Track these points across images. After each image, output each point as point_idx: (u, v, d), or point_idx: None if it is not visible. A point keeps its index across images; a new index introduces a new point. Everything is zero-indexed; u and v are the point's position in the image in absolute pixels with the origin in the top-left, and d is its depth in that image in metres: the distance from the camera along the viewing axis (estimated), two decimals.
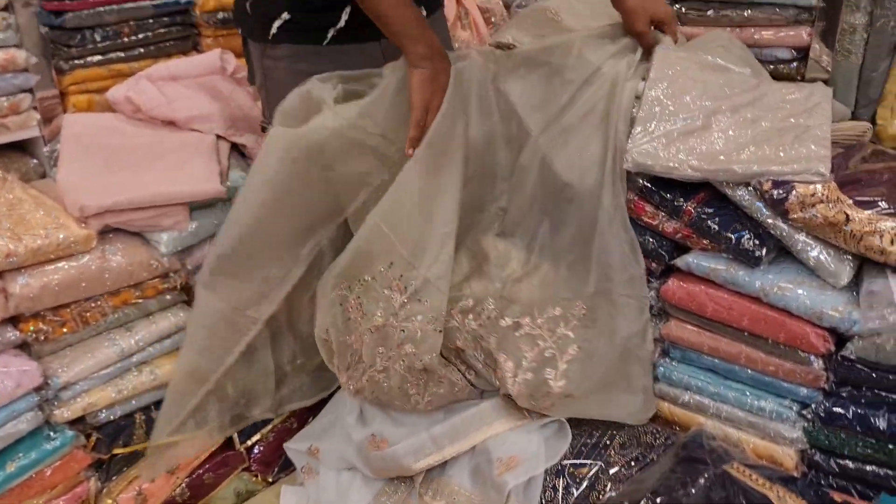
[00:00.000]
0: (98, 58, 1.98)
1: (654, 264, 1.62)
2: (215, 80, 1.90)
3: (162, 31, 2.06)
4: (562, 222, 1.62)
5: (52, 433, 1.55)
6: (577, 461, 1.54)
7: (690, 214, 1.53)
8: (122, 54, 2.03)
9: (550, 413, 1.55)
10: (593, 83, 1.57)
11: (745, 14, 1.86)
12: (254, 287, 1.52)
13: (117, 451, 1.66)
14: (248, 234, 1.48)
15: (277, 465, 1.84)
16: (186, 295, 1.73)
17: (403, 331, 1.50)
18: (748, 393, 1.54)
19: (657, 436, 1.60)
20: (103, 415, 1.61)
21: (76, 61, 1.97)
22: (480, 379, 1.59)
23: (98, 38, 1.95)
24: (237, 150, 1.84)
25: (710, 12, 1.89)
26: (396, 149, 1.50)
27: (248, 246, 1.49)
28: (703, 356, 1.58)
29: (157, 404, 1.69)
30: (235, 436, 1.76)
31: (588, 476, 1.52)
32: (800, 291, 1.41)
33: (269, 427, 1.82)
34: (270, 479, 1.85)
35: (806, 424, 1.48)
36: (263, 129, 1.59)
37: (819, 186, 1.39)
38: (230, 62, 1.98)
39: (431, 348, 1.51)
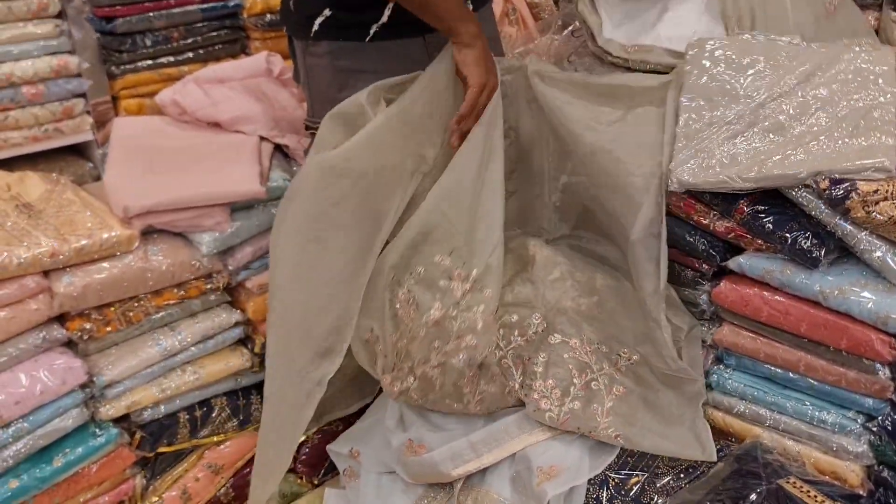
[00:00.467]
0: (148, 62, 2.02)
1: (705, 266, 1.54)
2: (260, 83, 1.91)
3: (211, 34, 2.09)
4: (604, 235, 1.61)
5: (97, 430, 1.57)
6: (623, 472, 1.47)
7: (743, 213, 1.44)
8: (171, 58, 2.06)
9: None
10: (641, 102, 1.53)
11: None
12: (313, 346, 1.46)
13: (162, 449, 1.68)
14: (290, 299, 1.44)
15: (323, 468, 1.83)
16: (230, 295, 1.73)
17: (465, 322, 1.44)
18: (808, 403, 1.45)
19: None
20: (147, 413, 1.63)
21: (127, 66, 2.01)
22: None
23: (148, 42, 1.99)
24: (280, 150, 1.84)
25: None
26: (438, 140, 1.47)
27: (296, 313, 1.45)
28: (759, 364, 1.49)
29: (201, 404, 1.71)
30: None
31: (634, 488, 1.45)
32: (863, 295, 1.31)
33: (315, 429, 1.81)
34: (316, 482, 1.84)
35: (872, 438, 1.37)
36: (307, 128, 1.59)
37: (882, 183, 1.28)
38: (276, 64, 1.98)
39: (490, 341, 1.47)
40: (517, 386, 1.50)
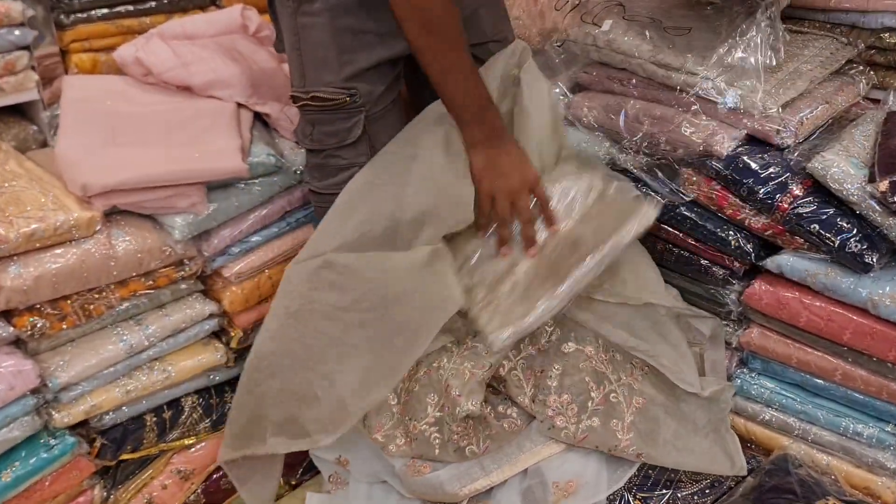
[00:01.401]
0: (104, 11, 1.75)
1: (736, 264, 1.42)
2: (235, 40, 1.69)
3: None
4: None
5: (51, 440, 1.38)
6: (644, 488, 1.37)
7: (784, 211, 1.32)
8: (131, 8, 1.79)
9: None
10: None
11: None
12: None
13: (125, 456, 1.49)
14: None
15: (301, 468, 1.69)
16: (203, 284, 1.54)
17: (454, 374, 1.35)
18: (842, 414, 1.36)
19: None
20: (109, 418, 1.44)
21: (79, 15, 1.73)
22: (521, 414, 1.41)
23: None
24: (260, 120, 1.63)
25: None
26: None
27: None
28: (790, 369, 1.40)
29: (170, 404, 1.53)
30: None
31: None
32: None
33: None
34: (294, 482, 1.69)
35: None
36: (294, 101, 1.38)
37: None
38: (253, 20, 1.76)
39: (475, 393, 1.35)
40: (528, 401, 1.38)
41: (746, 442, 1.48)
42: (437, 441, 1.34)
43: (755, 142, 1.39)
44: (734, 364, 1.49)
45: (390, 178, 1.36)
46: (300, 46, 1.35)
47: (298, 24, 1.34)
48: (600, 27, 1.54)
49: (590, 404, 1.36)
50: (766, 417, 1.44)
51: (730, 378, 1.48)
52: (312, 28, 1.32)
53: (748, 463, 1.41)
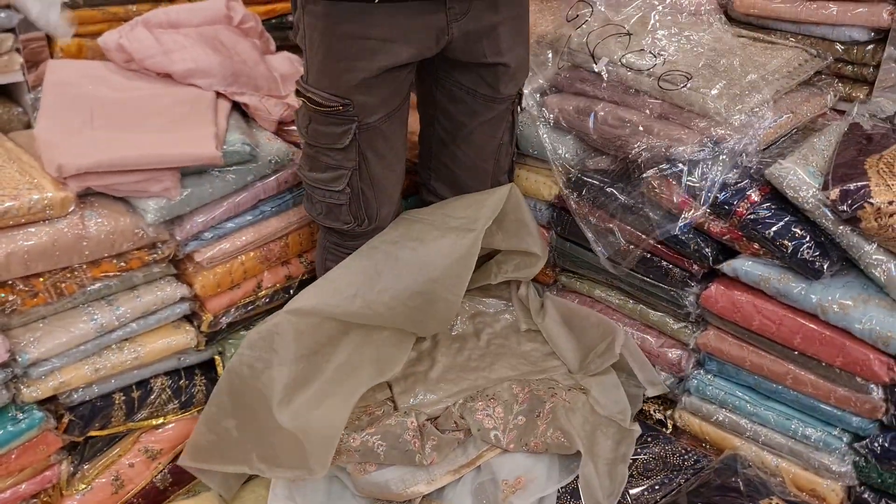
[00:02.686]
0: None
1: (695, 266, 1.45)
2: (218, 31, 1.71)
3: None
4: None
5: (19, 414, 1.40)
6: None
7: (741, 216, 1.35)
8: None
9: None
10: None
11: None
12: None
13: (93, 433, 1.52)
14: None
15: None
16: (176, 268, 1.57)
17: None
18: (792, 417, 1.39)
19: (686, 457, 1.45)
20: (78, 395, 1.47)
21: (65, 0, 1.78)
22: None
23: None
24: (238, 109, 1.66)
25: None
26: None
27: None
28: (744, 372, 1.43)
29: (139, 384, 1.55)
30: None
31: None
32: (865, 311, 1.24)
33: None
34: None
35: (857, 459, 1.32)
36: (298, 93, 1.39)
37: None
38: (237, 10, 1.78)
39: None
40: (456, 411, 1.46)
41: (700, 441, 1.51)
42: (381, 449, 1.39)
43: (718, 148, 1.41)
44: (691, 365, 1.51)
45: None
46: (307, 44, 1.36)
47: (305, 22, 1.34)
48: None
49: (515, 407, 1.42)
50: (720, 418, 1.47)
51: (687, 378, 1.51)
52: (314, 30, 1.31)
53: (698, 462, 1.43)
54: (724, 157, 1.38)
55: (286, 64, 1.79)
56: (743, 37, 1.60)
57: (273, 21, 2.06)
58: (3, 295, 1.35)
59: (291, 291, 1.68)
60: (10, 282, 1.36)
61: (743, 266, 1.36)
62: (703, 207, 1.36)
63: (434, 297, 1.46)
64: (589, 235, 1.52)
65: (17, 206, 1.32)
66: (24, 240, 1.34)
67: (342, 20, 1.28)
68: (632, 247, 1.48)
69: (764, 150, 1.43)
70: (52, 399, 1.46)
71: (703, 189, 1.37)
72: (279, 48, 1.89)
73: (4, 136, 1.54)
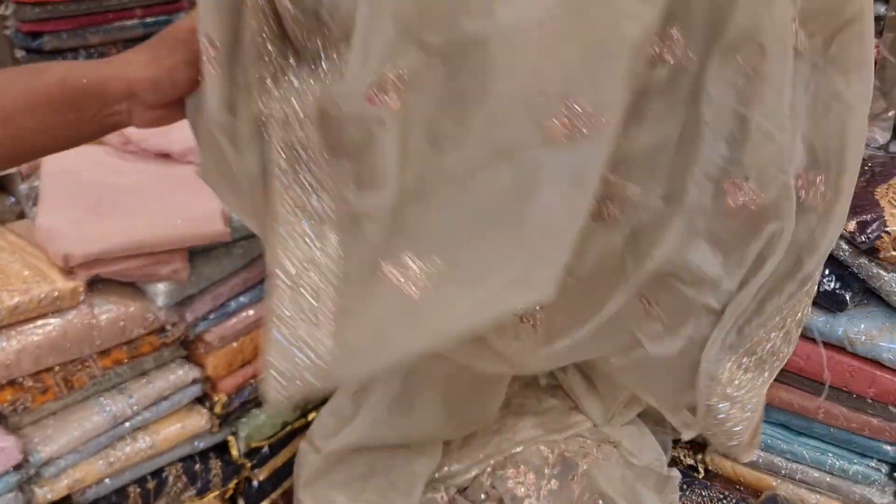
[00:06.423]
0: None
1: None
2: None
3: None
4: None
5: None
6: None
7: None
8: None
9: None
10: None
11: None
12: None
13: None
14: None
15: None
16: (185, 349, 1.53)
17: None
18: (828, 452, 1.38)
19: (724, 502, 1.42)
20: (91, 492, 1.41)
21: None
22: None
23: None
24: None
25: None
26: None
27: None
28: (774, 409, 1.42)
29: (154, 474, 1.50)
30: None
31: None
32: (892, 339, 1.25)
33: None
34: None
35: None
36: None
37: None
38: None
39: None
40: (486, 481, 1.42)
41: (735, 483, 1.49)
42: None
43: None
44: None
45: None
46: None
47: None
48: None
49: (546, 469, 1.39)
50: (753, 458, 1.45)
51: None
52: None
53: None
54: None
55: None
56: None
57: None
58: (16, 395, 1.30)
59: None
60: (19, 379, 1.31)
61: None
62: None
63: None
64: None
65: (28, 300, 1.28)
66: (33, 334, 1.29)
67: None
68: None
69: None
70: (66, 499, 1.40)
71: None
72: None
73: (4, 229, 1.51)
